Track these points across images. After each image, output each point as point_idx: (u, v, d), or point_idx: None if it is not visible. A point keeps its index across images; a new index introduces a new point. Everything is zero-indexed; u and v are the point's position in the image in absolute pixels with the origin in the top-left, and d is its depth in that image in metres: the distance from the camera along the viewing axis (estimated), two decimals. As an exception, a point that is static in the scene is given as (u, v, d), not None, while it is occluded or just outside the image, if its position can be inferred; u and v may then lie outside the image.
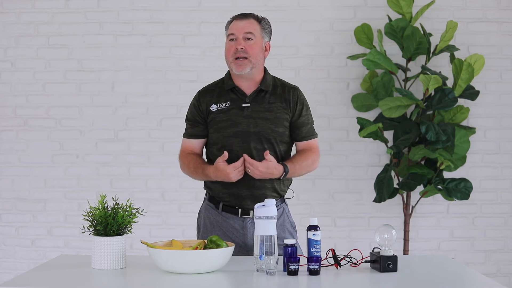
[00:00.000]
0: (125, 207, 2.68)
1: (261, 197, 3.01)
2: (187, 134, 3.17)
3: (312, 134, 3.17)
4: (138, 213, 2.69)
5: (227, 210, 3.09)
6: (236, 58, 3.03)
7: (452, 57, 4.49)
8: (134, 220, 2.68)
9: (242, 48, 3.02)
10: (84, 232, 2.71)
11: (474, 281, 2.58)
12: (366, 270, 2.65)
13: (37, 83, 4.77)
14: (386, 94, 4.51)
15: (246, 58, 3.02)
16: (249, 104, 3.07)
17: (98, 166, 4.76)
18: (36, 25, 4.76)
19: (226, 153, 2.96)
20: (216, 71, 4.70)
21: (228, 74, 3.14)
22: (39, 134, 4.77)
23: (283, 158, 3.10)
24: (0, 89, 4.78)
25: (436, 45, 4.51)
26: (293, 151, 3.20)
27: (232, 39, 3.06)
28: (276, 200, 3.06)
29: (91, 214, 2.66)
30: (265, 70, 3.14)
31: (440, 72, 4.53)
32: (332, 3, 4.74)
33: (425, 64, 4.56)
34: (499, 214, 4.74)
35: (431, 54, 4.53)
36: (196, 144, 3.16)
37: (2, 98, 4.78)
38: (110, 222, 2.63)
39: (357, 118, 4.44)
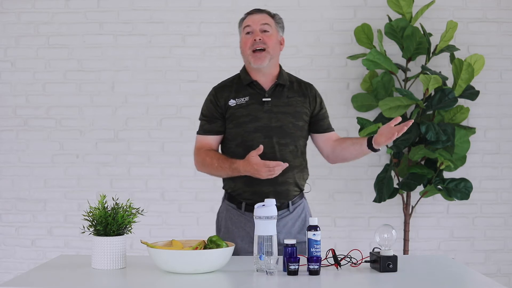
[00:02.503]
0: (125, 207, 2.68)
1: (284, 193, 3.03)
2: (204, 131, 3.16)
3: (332, 128, 3.22)
4: (138, 213, 2.69)
5: (249, 209, 3.06)
6: (254, 51, 3.03)
7: (452, 57, 4.49)
8: (134, 220, 2.68)
9: (260, 39, 3.03)
10: (84, 232, 2.71)
11: (474, 281, 2.59)
12: (366, 270, 2.65)
13: (37, 83, 4.77)
14: (386, 94, 4.52)
15: (264, 50, 3.03)
16: (269, 99, 3.07)
17: (98, 166, 4.77)
18: (36, 25, 4.77)
19: (261, 147, 2.92)
20: (216, 71, 4.74)
21: (244, 69, 3.14)
22: (39, 134, 4.77)
23: (302, 152, 3.11)
24: (0, 89, 4.79)
25: (436, 45, 4.51)
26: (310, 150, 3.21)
27: (248, 32, 3.07)
28: (296, 197, 3.09)
29: (91, 214, 2.66)
30: (280, 66, 3.15)
31: (440, 72, 4.53)
32: (332, 3, 4.74)
33: (425, 64, 4.56)
34: (499, 214, 4.74)
35: (431, 54, 4.53)
36: (213, 140, 3.14)
37: (2, 98, 4.78)
38: (110, 222, 2.63)
39: (357, 118, 4.44)
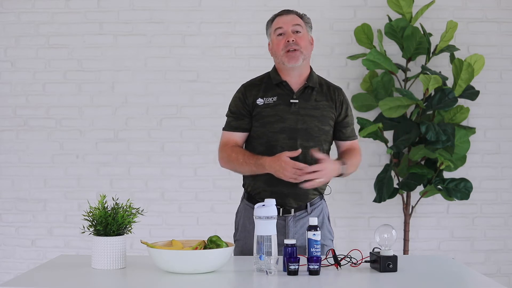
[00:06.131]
0: (125, 207, 2.68)
1: (303, 195, 3.02)
2: (230, 127, 3.13)
3: (354, 135, 3.18)
4: (138, 213, 2.69)
5: None
6: (288, 51, 3.02)
7: (452, 57, 4.49)
8: (134, 220, 2.68)
9: (293, 40, 3.02)
10: (84, 232, 2.71)
11: (474, 281, 2.58)
12: (366, 270, 2.65)
13: (37, 83, 4.77)
14: (386, 94, 4.52)
15: (297, 50, 3.02)
16: (297, 100, 3.06)
17: (98, 166, 4.77)
18: (36, 25, 4.77)
19: (299, 151, 2.93)
20: (216, 71, 4.74)
21: (274, 69, 3.13)
22: (39, 134, 4.77)
23: None
24: (0, 89, 4.79)
25: (436, 45, 4.52)
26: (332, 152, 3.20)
27: (280, 34, 3.06)
28: (314, 198, 3.08)
29: (91, 214, 2.66)
30: (310, 67, 3.14)
31: (440, 72, 4.53)
32: (332, 3, 4.74)
33: (425, 64, 4.56)
34: (499, 214, 4.74)
35: (431, 54, 4.53)
36: (239, 137, 3.12)
37: (2, 98, 4.78)
38: (110, 222, 2.63)
39: (357, 118, 4.44)
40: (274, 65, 3.14)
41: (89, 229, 2.68)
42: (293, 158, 2.96)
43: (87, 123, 4.77)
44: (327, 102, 3.09)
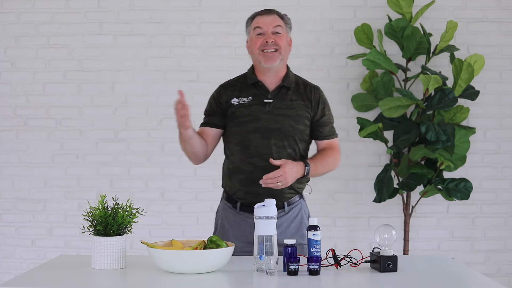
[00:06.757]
0: (125, 207, 2.68)
1: (278, 194, 3.02)
2: (202, 124, 3.19)
3: (333, 134, 3.18)
4: (138, 213, 2.69)
5: (244, 209, 3.08)
6: (263, 51, 3.04)
7: (452, 57, 4.49)
8: (134, 220, 2.68)
9: (272, 41, 3.04)
10: (84, 232, 2.71)
11: (474, 281, 2.59)
12: (366, 270, 2.65)
13: (37, 83, 4.77)
14: (386, 94, 4.51)
15: (276, 50, 3.04)
16: (271, 100, 3.07)
17: (98, 166, 4.77)
18: (36, 25, 4.77)
19: (181, 91, 2.93)
20: (216, 71, 4.74)
21: (252, 68, 3.15)
22: (39, 134, 4.77)
23: (302, 156, 3.10)
24: (0, 89, 4.79)
25: (436, 45, 4.52)
26: (312, 150, 3.21)
27: (259, 34, 3.07)
28: (293, 197, 3.09)
29: (91, 214, 2.66)
30: (287, 67, 3.15)
31: (440, 72, 4.53)
32: (332, 3, 4.74)
33: (425, 64, 4.56)
34: (499, 214, 4.74)
35: (431, 54, 4.53)
36: (206, 131, 3.14)
37: (2, 98, 4.78)
38: (110, 222, 2.63)
39: (357, 118, 4.44)
40: (252, 65, 3.15)
41: (89, 229, 2.68)
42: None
43: (87, 123, 4.77)
44: (302, 102, 3.10)
